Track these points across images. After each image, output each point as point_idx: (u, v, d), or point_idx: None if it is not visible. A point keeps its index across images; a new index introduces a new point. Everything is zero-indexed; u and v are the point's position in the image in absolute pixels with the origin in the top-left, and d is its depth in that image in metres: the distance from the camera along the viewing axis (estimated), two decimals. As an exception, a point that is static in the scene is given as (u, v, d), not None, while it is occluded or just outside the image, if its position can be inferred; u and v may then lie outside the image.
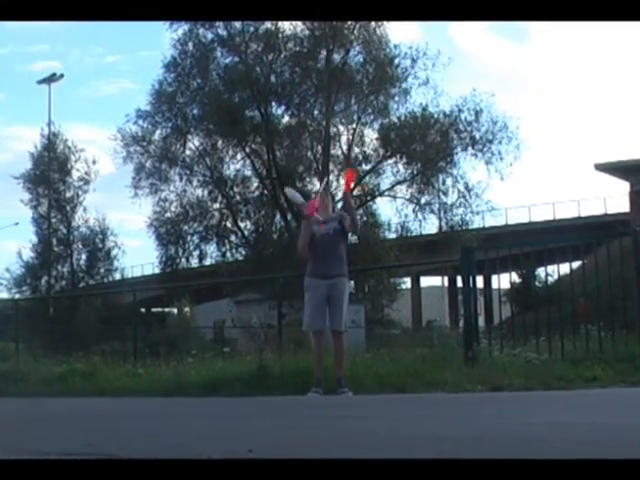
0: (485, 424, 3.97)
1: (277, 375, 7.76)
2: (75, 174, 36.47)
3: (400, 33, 37.08)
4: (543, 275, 27.00)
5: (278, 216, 32.94)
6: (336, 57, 31.86)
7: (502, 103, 66.14)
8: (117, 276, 39.00)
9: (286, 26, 31.45)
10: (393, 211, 32.81)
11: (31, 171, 36.23)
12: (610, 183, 64.82)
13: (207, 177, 32.84)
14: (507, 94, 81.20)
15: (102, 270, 37.38)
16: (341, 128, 32.65)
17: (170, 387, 8.25)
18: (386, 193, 32.85)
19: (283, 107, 32.76)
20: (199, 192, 33.06)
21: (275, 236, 32.90)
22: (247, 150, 32.65)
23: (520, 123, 34.09)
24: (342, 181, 32.73)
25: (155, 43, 70.28)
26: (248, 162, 32.95)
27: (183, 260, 33.13)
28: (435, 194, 32.09)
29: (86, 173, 36.35)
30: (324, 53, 31.76)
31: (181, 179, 32.75)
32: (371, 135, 32.68)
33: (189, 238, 33.16)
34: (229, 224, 33.34)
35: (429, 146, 31.28)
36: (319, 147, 32.02)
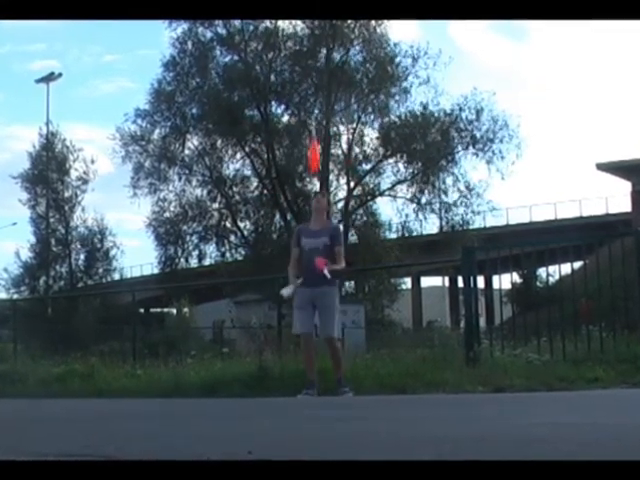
0: (486, 425, 3.96)
1: (277, 376, 7.74)
2: (73, 174, 36.45)
3: (400, 32, 36.92)
4: (544, 275, 26.95)
5: (278, 216, 32.94)
6: (336, 56, 31.83)
7: (502, 102, 66.00)
8: (116, 276, 39.04)
9: (286, 25, 31.51)
10: (393, 211, 32.92)
11: (29, 171, 36.19)
12: (612, 183, 64.80)
13: (206, 177, 32.84)
14: (507, 93, 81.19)
15: (101, 270, 37.30)
16: (341, 127, 32.67)
17: (169, 388, 8.22)
18: (386, 193, 32.87)
19: (283, 106, 32.81)
20: (198, 192, 33.15)
21: (275, 236, 32.84)
22: (246, 149, 32.64)
23: (521, 122, 33.97)
24: (342, 181, 32.80)
25: (154, 42, 69.97)
26: (247, 162, 32.98)
27: (182, 260, 33.18)
28: (436, 194, 32.08)
29: (84, 173, 36.31)
30: (324, 52, 31.73)
31: (180, 179, 32.83)
32: (371, 134, 32.73)
33: (188, 238, 33.18)
34: (228, 224, 33.34)
35: (430, 145, 31.24)
36: (319, 147, 31.98)
